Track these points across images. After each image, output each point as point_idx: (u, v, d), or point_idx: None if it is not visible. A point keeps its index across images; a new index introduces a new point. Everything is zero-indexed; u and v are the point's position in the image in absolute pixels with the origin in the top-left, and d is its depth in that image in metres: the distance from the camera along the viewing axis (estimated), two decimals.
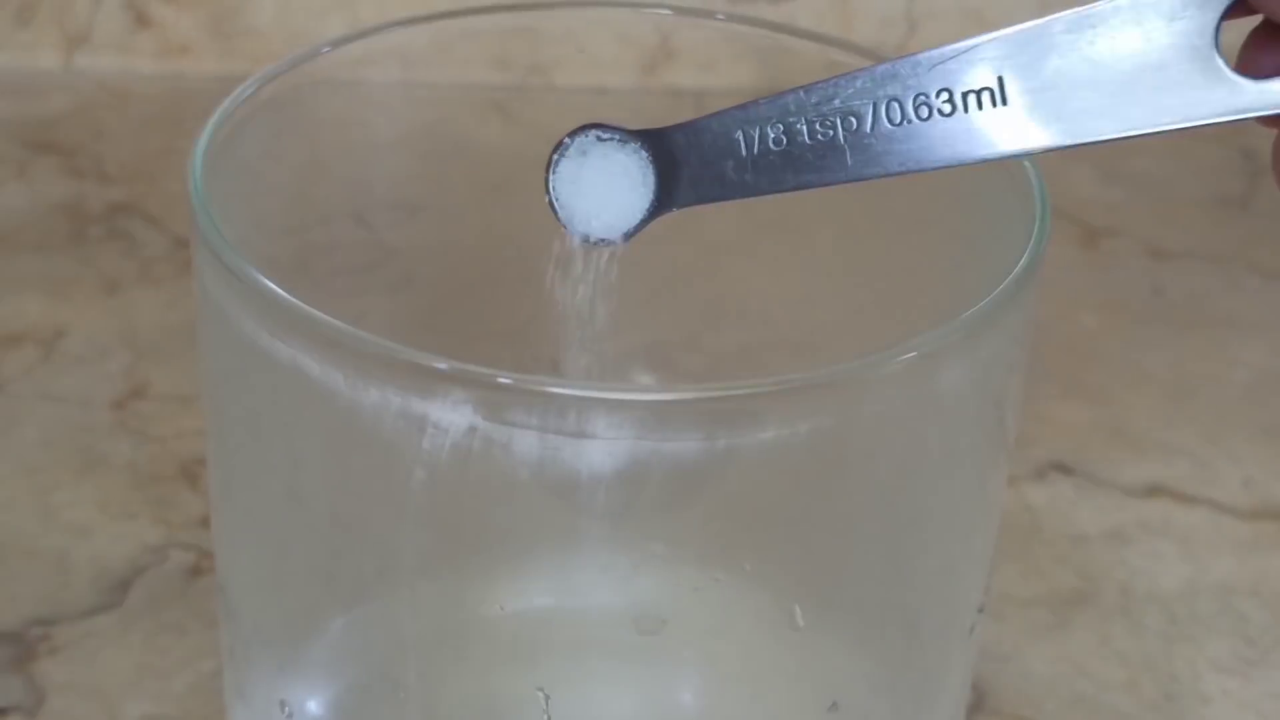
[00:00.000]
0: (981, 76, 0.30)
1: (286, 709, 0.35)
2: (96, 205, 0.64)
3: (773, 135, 0.31)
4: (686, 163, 0.31)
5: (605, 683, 0.33)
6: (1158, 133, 0.30)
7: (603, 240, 0.32)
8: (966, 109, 0.30)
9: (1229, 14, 0.30)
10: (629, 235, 0.32)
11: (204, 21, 0.71)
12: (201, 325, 0.34)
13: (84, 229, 0.63)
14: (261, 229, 0.34)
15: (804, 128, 0.31)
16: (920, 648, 0.35)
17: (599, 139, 0.31)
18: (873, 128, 0.30)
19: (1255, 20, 0.30)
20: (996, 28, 0.30)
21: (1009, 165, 0.35)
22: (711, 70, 0.42)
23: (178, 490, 0.51)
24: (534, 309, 0.42)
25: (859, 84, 0.30)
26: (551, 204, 0.32)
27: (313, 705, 0.36)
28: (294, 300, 0.30)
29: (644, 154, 0.31)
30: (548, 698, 0.32)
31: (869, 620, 0.34)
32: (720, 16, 0.40)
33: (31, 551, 0.49)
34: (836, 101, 0.30)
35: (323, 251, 0.39)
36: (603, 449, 0.29)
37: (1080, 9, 0.30)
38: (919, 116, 0.30)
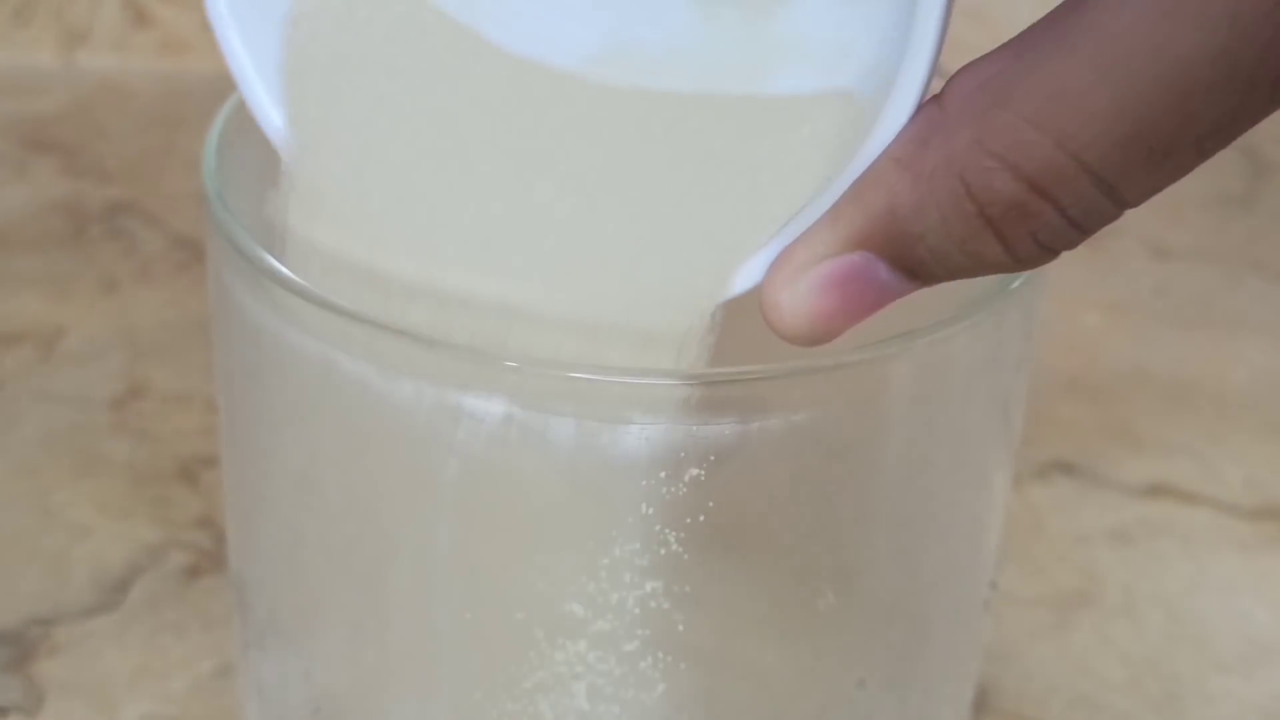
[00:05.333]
0: None
1: (312, 703, 0.35)
2: (96, 204, 0.64)
3: None
4: None
5: (641, 666, 0.33)
6: None
7: None
8: None
9: None
10: None
11: (203, 19, 0.71)
12: (217, 320, 0.34)
13: (83, 228, 0.62)
14: (266, 225, 0.34)
15: None
16: (940, 623, 0.36)
17: None
18: None
19: None
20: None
21: None
22: None
23: (177, 490, 0.51)
24: None
25: None
26: None
27: (337, 696, 0.36)
28: (325, 295, 0.30)
29: None
30: (586, 685, 0.32)
31: (892, 598, 0.35)
32: None
33: (31, 551, 0.49)
34: None
35: None
36: (639, 434, 0.30)
37: None
38: None
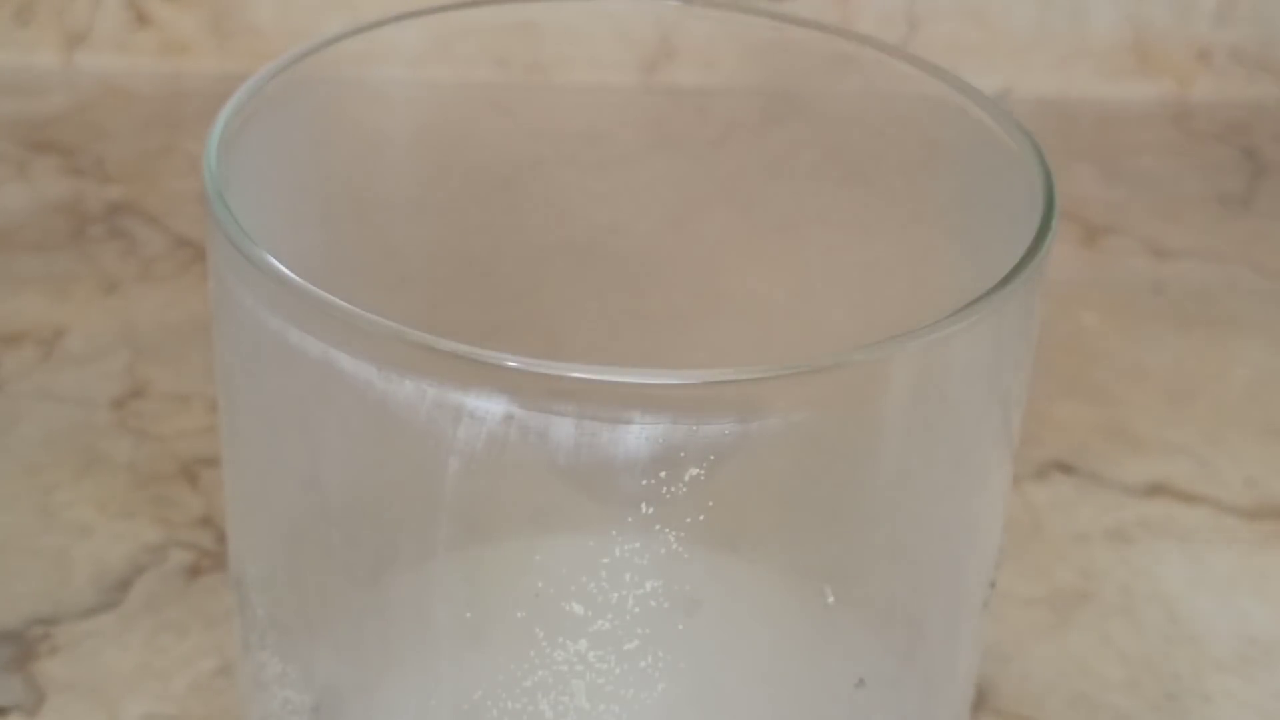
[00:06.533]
0: None
1: (312, 703, 0.35)
2: (96, 204, 0.64)
3: None
4: None
5: (641, 665, 0.33)
6: None
7: None
8: None
9: None
10: None
11: (204, 20, 0.71)
12: (217, 320, 0.34)
13: (84, 228, 0.63)
14: (266, 225, 0.34)
15: None
16: (940, 623, 0.36)
17: None
18: None
19: None
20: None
21: (1017, 160, 0.35)
22: (715, 66, 0.42)
23: (178, 490, 0.51)
24: (533, 308, 0.42)
25: None
26: None
27: (337, 696, 0.36)
28: (325, 294, 0.30)
29: None
30: (586, 684, 0.32)
31: (891, 598, 0.35)
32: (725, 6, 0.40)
33: (31, 551, 0.49)
34: None
35: (323, 248, 0.39)
36: (639, 433, 0.30)
37: None
38: None
